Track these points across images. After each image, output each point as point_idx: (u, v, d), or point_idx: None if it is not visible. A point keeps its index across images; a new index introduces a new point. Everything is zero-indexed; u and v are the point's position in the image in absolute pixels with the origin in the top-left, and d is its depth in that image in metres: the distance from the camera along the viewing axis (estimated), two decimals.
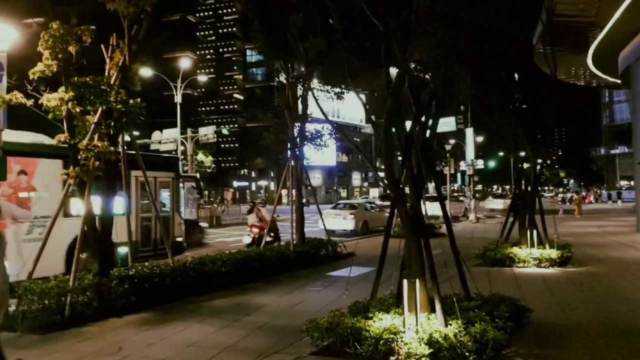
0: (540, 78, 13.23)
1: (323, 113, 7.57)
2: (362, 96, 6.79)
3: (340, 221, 20.22)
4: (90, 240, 7.45)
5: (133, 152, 8.87)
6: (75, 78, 7.24)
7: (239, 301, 7.80)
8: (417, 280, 5.20)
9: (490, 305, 5.87)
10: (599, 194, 65.50)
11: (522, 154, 13.20)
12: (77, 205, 8.29)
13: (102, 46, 7.91)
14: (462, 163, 46.69)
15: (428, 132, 6.21)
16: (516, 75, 12.41)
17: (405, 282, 5.19)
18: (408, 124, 6.29)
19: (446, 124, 30.23)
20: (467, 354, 4.67)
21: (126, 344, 5.62)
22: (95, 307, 6.77)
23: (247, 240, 13.40)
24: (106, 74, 7.80)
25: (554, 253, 10.83)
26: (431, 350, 4.71)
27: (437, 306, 5.24)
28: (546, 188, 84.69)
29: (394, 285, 6.11)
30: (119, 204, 8.55)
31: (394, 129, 6.03)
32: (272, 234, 12.47)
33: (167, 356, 5.19)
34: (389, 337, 4.94)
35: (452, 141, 46.43)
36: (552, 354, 5.01)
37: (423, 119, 6.22)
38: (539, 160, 12.90)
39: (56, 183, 8.96)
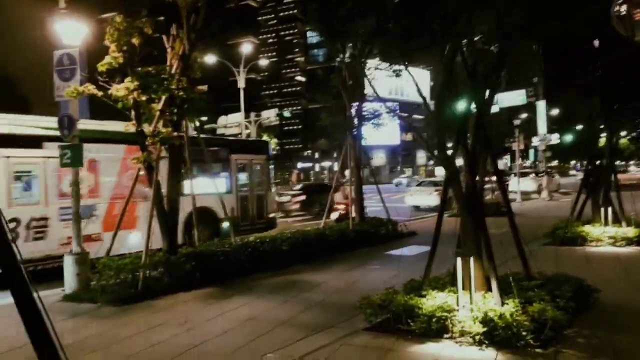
0: (615, 42, 12.21)
1: (375, 92, 7.53)
2: (427, 72, 6.68)
3: (425, 197, 21.92)
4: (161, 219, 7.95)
5: (232, 137, 9.78)
6: (139, 68, 7.66)
7: (297, 279, 8.04)
8: (472, 258, 5.11)
9: (552, 285, 5.63)
10: None
11: (601, 126, 12.30)
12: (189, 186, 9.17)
13: (164, 37, 8.30)
14: (534, 138, 44.26)
15: (484, 106, 5.98)
16: (596, 42, 11.53)
17: (458, 260, 5.12)
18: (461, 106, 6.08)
19: (515, 97, 28.64)
20: (523, 333, 4.55)
21: (191, 316, 6.01)
22: (164, 282, 7.27)
23: (335, 216, 14.46)
24: (168, 63, 8.19)
25: (631, 231, 10.11)
26: (485, 328, 4.64)
27: (493, 285, 5.12)
28: (632, 162, 78.27)
29: (451, 264, 6.03)
30: (221, 184, 9.86)
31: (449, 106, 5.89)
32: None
33: (227, 328, 5.50)
34: (442, 314, 4.92)
35: (523, 115, 44.07)
36: (620, 337, 4.75)
37: (480, 94, 5.99)
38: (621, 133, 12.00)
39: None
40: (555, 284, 5.73)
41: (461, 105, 5.96)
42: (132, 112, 7.89)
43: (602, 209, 10.77)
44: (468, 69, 5.87)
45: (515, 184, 26.24)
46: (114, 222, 8.40)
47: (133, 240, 9.64)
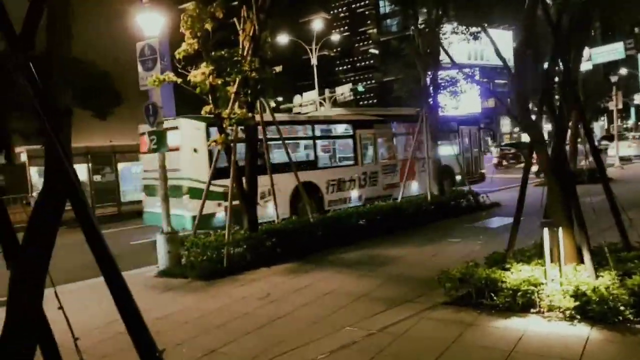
0: None
1: (450, 58, 7.14)
2: (508, 33, 6.20)
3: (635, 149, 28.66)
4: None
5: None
6: (213, 53, 7.89)
7: (374, 253, 8.02)
8: (561, 229, 4.77)
9: None
10: None
11: None
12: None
13: (235, 19, 8.46)
14: (636, 95, 40.03)
15: (571, 64, 5.47)
16: None
17: (545, 230, 4.79)
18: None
19: (612, 51, 25.98)
20: (621, 307, 4.19)
21: (273, 290, 6.23)
22: (247, 258, 7.58)
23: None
24: (240, 45, 8.35)
25: None
26: (577, 302, 4.34)
27: (586, 256, 4.76)
28: None
29: (538, 236, 5.67)
30: (455, 148, 14.52)
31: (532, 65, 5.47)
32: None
33: (307, 302, 5.64)
34: (529, 288, 4.66)
35: (623, 71, 39.86)
36: None
37: (565, 50, 5.47)
38: None
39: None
40: None
41: (545, 63, 5.50)
42: (210, 96, 8.17)
43: None
44: (551, 23, 5.38)
45: (614, 148, 24.07)
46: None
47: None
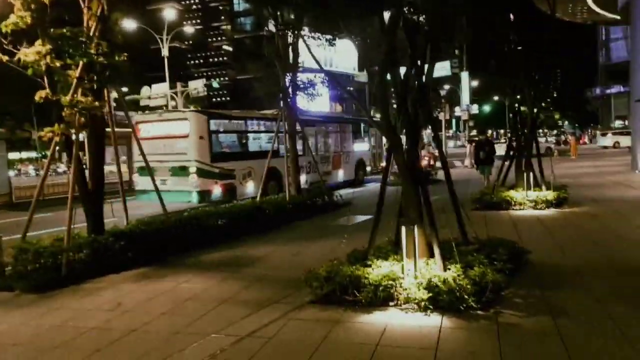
0: (536, 16, 12.79)
1: (315, 59, 7.26)
2: (351, 44, 6.50)
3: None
4: None
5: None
6: (52, 30, 6.85)
7: (237, 253, 7.80)
8: (415, 226, 5.15)
9: (488, 249, 5.86)
10: (593, 135, 65.34)
11: (519, 97, 12.94)
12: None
13: None
14: (457, 108, 46.08)
15: (424, 76, 5.97)
16: (512, 16, 11.99)
17: (403, 228, 5.14)
18: (402, 71, 6.04)
19: (441, 68, 29.56)
20: (466, 296, 4.68)
21: (125, 299, 5.62)
22: (91, 264, 6.73)
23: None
24: (84, 25, 7.40)
25: (550, 194, 10.84)
26: (430, 294, 4.72)
27: (436, 251, 5.22)
28: (540, 130, 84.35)
29: (392, 232, 6.08)
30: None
31: (389, 75, 5.82)
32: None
33: (166, 310, 5.20)
34: (388, 283, 4.94)
35: (446, 86, 45.70)
36: (552, 294, 5.03)
37: (419, 62, 5.95)
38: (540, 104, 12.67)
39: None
40: (490, 247, 5.97)
41: (401, 75, 5.90)
42: (46, 80, 7.08)
43: (524, 174, 11.43)
44: (409, 37, 5.81)
45: (439, 154, 27.29)
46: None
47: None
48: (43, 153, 40.88)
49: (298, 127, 12.86)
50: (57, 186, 19.18)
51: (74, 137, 7.16)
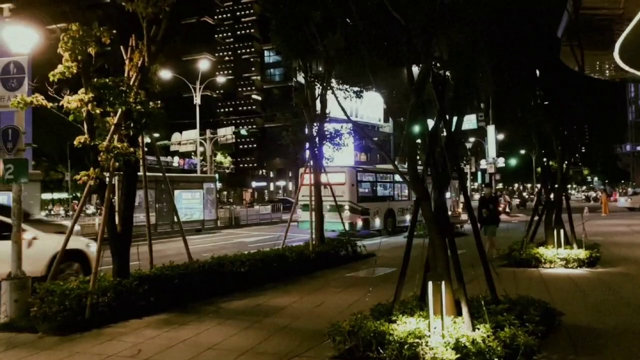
0: (565, 73, 12.86)
1: (344, 110, 7.42)
2: (378, 95, 6.66)
3: None
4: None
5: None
6: (95, 79, 7.23)
7: (258, 302, 7.70)
8: (443, 282, 5.03)
9: (519, 308, 5.63)
10: (625, 191, 63.81)
11: (543, 151, 12.80)
12: None
13: (122, 47, 7.91)
14: (482, 161, 45.83)
15: (452, 128, 6.01)
16: (537, 72, 12.07)
17: (430, 283, 5.01)
18: (430, 123, 6.11)
19: (467, 121, 29.76)
20: (496, 359, 4.48)
21: (145, 346, 5.57)
22: (114, 308, 6.73)
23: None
24: (125, 75, 7.79)
25: (582, 253, 10.47)
26: (458, 355, 4.53)
27: (464, 309, 5.05)
28: (569, 186, 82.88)
29: (417, 287, 5.93)
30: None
31: (417, 127, 5.88)
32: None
33: (186, 358, 5.11)
34: (414, 341, 4.77)
35: (472, 139, 45.75)
36: (588, 359, 4.77)
37: (447, 116, 6.02)
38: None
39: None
40: (521, 307, 5.74)
41: (429, 126, 5.96)
42: (85, 126, 7.41)
43: (555, 231, 11.12)
44: (437, 91, 5.90)
45: (467, 208, 26.97)
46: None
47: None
48: (74, 194, 42.05)
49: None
50: (85, 227, 19.58)
51: (107, 180, 7.37)
